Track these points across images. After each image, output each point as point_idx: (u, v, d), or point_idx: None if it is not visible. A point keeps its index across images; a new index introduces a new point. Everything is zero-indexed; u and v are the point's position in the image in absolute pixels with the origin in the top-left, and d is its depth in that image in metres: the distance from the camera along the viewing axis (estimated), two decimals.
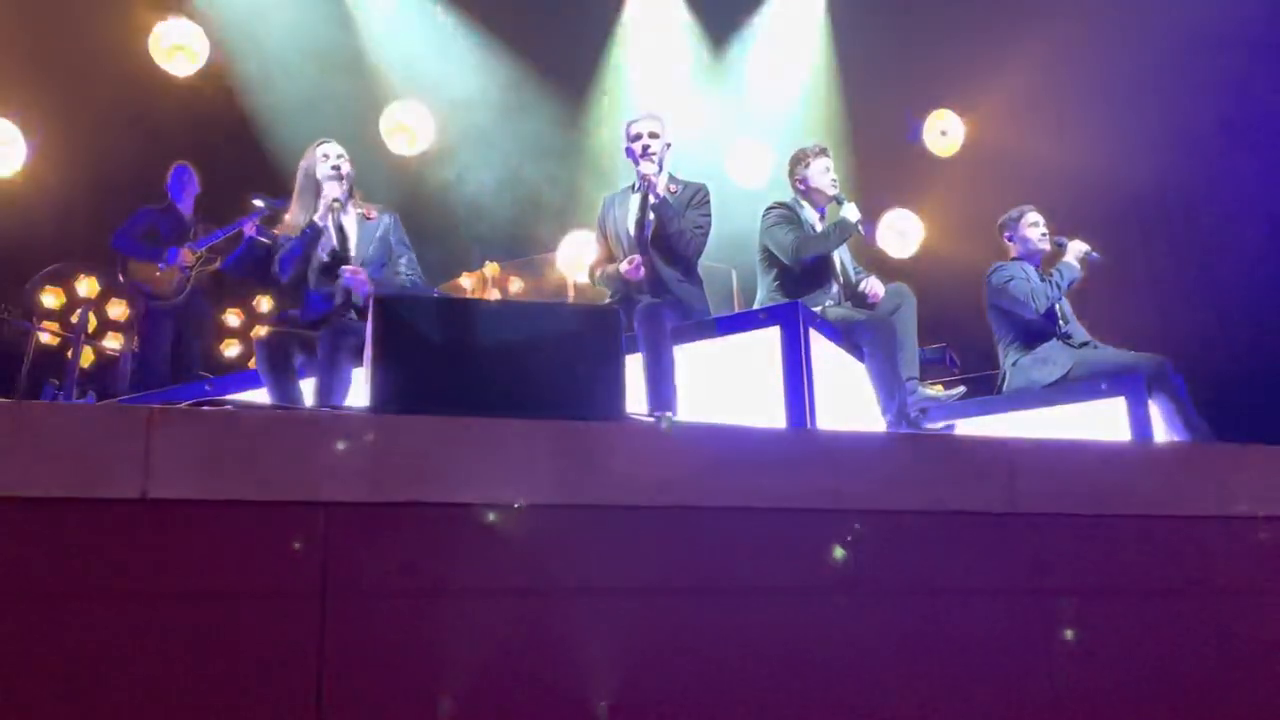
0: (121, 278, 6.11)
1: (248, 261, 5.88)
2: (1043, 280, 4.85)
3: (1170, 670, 1.93)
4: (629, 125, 4.62)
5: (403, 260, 4.45)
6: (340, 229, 4.36)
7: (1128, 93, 7.62)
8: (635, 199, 4.56)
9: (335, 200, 4.28)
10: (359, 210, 4.47)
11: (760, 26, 9.13)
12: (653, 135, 4.53)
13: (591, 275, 4.78)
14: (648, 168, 4.42)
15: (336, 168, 4.37)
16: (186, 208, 6.24)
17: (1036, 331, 4.81)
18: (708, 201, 4.55)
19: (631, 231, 4.52)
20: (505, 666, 1.66)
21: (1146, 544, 2.00)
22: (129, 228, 6.08)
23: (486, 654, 1.66)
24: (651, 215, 4.44)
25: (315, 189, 4.39)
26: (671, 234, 4.36)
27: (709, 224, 4.53)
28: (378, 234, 4.42)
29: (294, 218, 4.43)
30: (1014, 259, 5.06)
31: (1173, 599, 1.98)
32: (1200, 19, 7.11)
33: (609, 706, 1.67)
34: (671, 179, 4.57)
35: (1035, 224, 5.07)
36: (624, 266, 4.41)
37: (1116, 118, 7.64)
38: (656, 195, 4.38)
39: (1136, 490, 2.04)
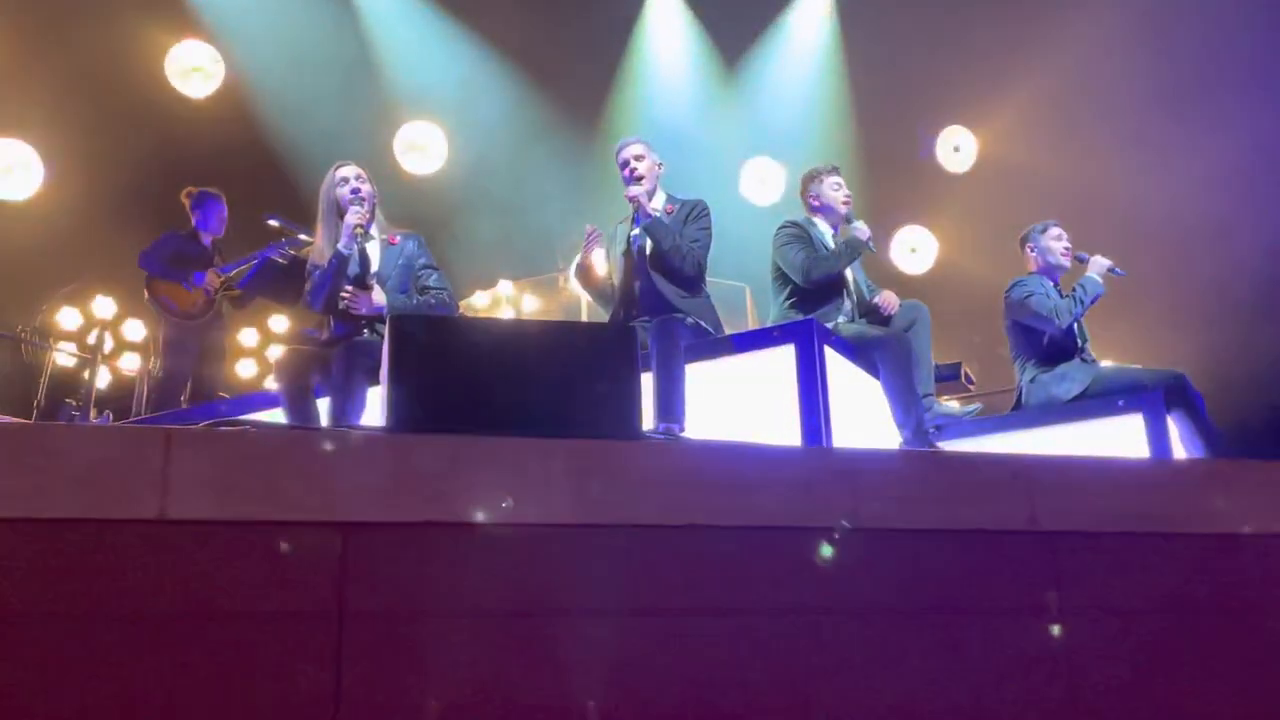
0: (147, 295, 6.15)
1: (262, 281, 5.92)
2: (1062, 296, 4.83)
3: (1193, 690, 1.91)
4: (616, 153, 4.69)
5: (433, 278, 4.44)
6: (363, 254, 4.35)
7: (1142, 108, 7.61)
8: (625, 225, 4.60)
9: (358, 227, 4.25)
10: (383, 235, 4.46)
11: (773, 44, 9.16)
12: (637, 158, 4.61)
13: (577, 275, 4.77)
14: (634, 190, 4.47)
15: (356, 190, 4.34)
16: (209, 239, 6.29)
17: (1055, 348, 4.78)
18: (705, 215, 4.56)
19: (620, 256, 4.57)
20: (524, 687, 1.65)
21: (1168, 562, 1.98)
22: (156, 250, 6.12)
23: (506, 674, 1.65)
24: (640, 236, 4.48)
25: (337, 213, 4.36)
26: (666, 251, 4.37)
27: (707, 237, 4.52)
28: (400, 260, 4.40)
29: (320, 244, 4.40)
30: (1032, 273, 5.03)
31: (1193, 617, 1.96)
32: (1219, 34, 7.10)
33: None
34: (670, 199, 4.61)
35: (1059, 237, 5.04)
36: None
37: (1130, 133, 7.63)
38: (647, 215, 4.42)
39: (1157, 507, 2.02)
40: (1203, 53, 7.23)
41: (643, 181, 4.54)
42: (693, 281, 4.45)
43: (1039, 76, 8.02)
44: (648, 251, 4.46)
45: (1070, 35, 7.91)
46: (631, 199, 4.46)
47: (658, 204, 4.55)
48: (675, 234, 4.41)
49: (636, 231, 4.50)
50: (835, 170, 4.92)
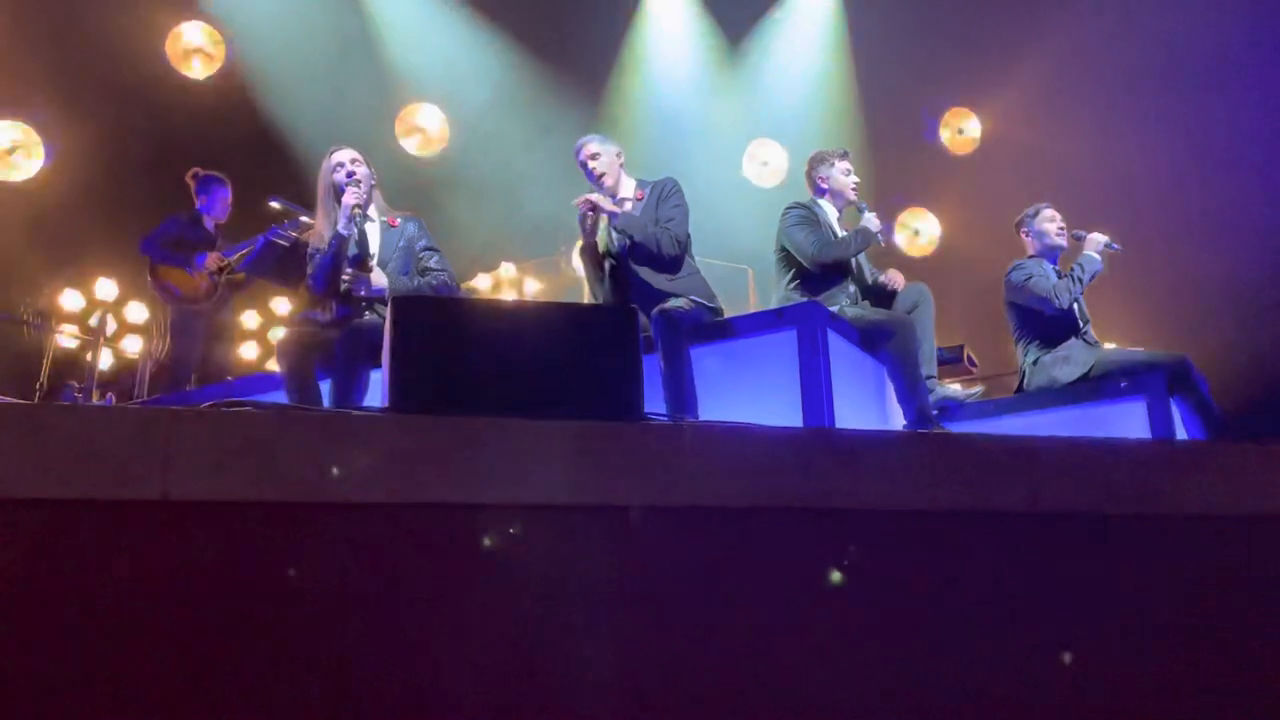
0: (150, 281, 6.14)
1: (264, 263, 5.91)
2: (1061, 278, 4.83)
3: (1194, 668, 1.91)
4: (575, 155, 4.68)
5: (434, 259, 4.45)
6: (363, 236, 4.35)
7: (1145, 87, 7.58)
8: (602, 225, 4.55)
9: (356, 208, 4.26)
10: (383, 217, 4.46)
11: (776, 26, 9.12)
12: (593, 157, 4.58)
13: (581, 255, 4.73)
14: (592, 197, 4.45)
15: (352, 174, 4.35)
16: (212, 223, 6.28)
17: (1057, 329, 4.78)
18: (676, 192, 4.52)
19: (601, 249, 4.54)
20: (526, 665, 1.66)
21: (1169, 544, 1.98)
22: (157, 235, 6.11)
23: (507, 652, 1.65)
24: (619, 235, 4.45)
25: (334, 197, 4.37)
26: (642, 242, 4.35)
27: (682, 214, 4.47)
28: (400, 243, 4.40)
29: (319, 228, 4.41)
30: (1031, 256, 5.03)
31: (1196, 600, 1.96)
32: (1225, 17, 7.06)
33: (623, 708, 1.67)
34: (640, 183, 4.59)
35: (1052, 219, 5.04)
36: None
37: (1134, 113, 7.60)
38: (612, 215, 4.39)
39: (1159, 490, 2.02)
40: (1209, 35, 7.19)
41: (604, 179, 4.53)
42: (676, 261, 4.41)
43: (1042, 58, 7.98)
44: (627, 246, 4.44)
45: (1074, 16, 7.87)
46: (583, 201, 4.44)
47: (627, 192, 4.54)
48: (646, 223, 4.39)
49: (613, 226, 4.45)
50: (845, 155, 4.91)
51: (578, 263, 6.22)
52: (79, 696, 1.50)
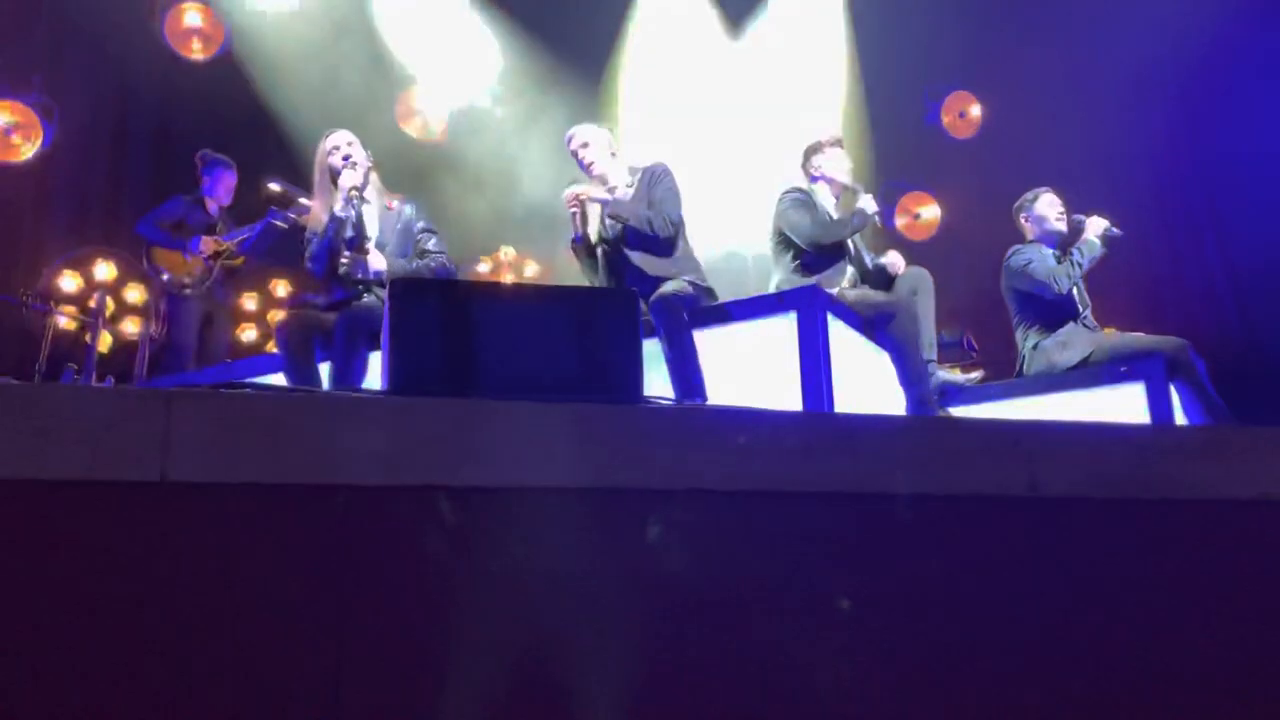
0: (145, 262, 6.13)
1: (264, 246, 5.91)
2: (1060, 262, 4.83)
3: (1194, 655, 1.91)
4: (566, 145, 4.68)
5: (432, 241, 4.44)
6: (360, 218, 4.34)
7: (1147, 73, 7.56)
8: (594, 214, 4.53)
9: (354, 189, 4.25)
10: (380, 202, 4.46)
11: (777, 9, 9.08)
12: (583, 146, 4.60)
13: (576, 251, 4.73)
14: (584, 188, 4.46)
15: (348, 157, 4.34)
16: (215, 207, 6.26)
17: (1056, 314, 4.78)
18: (666, 175, 4.52)
19: (594, 239, 4.53)
20: (525, 656, 1.66)
21: (1168, 529, 1.98)
22: (156, 215, 6.10)
23: (506, 642, 1.66)
24: (612, 222, 4.44)
25: (331, 180, 4.37)
26: (636, 228, 4.35)
27: (673, 195, 4.48)
28: (398, 226, 4.40)
29: (316, 212, 4.41)
30: (1031, 241, 5.03)
31: (1196, 586, 1.96)
32: (1230, 12, 7.04)
33: (622, 701, 1.67)
34: (631, 170, 4.60)
35: (1052, 204, 5.04)
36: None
37: (1135, 98, 7.58)
38: (604, 202, 4.40)
39: (1160, 474, 2.02)
40: (1211, 21, 7.17)
41: (594, 167, 4.53)
42: (669, 243, 4.42)
43: (1045, 40, 7.95)
44: (621, 233, 4.43)
45: (1077, 3, 7.84)
46: (573, 198, 4.44)
47: (618, 180, 4.55)
48: (638, 208, 4.39)
49: (608, 215, 4.44)
50: (838, 142, 4.92)
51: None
52: (78, 683, 1.51)
